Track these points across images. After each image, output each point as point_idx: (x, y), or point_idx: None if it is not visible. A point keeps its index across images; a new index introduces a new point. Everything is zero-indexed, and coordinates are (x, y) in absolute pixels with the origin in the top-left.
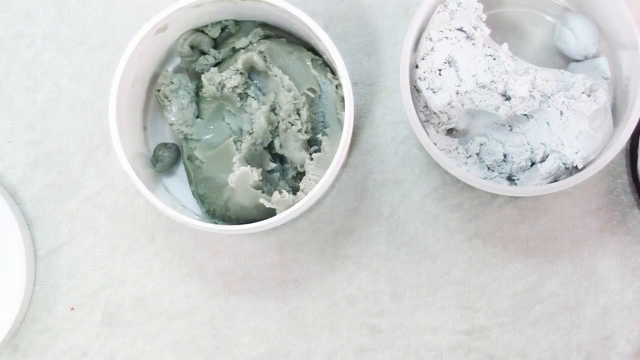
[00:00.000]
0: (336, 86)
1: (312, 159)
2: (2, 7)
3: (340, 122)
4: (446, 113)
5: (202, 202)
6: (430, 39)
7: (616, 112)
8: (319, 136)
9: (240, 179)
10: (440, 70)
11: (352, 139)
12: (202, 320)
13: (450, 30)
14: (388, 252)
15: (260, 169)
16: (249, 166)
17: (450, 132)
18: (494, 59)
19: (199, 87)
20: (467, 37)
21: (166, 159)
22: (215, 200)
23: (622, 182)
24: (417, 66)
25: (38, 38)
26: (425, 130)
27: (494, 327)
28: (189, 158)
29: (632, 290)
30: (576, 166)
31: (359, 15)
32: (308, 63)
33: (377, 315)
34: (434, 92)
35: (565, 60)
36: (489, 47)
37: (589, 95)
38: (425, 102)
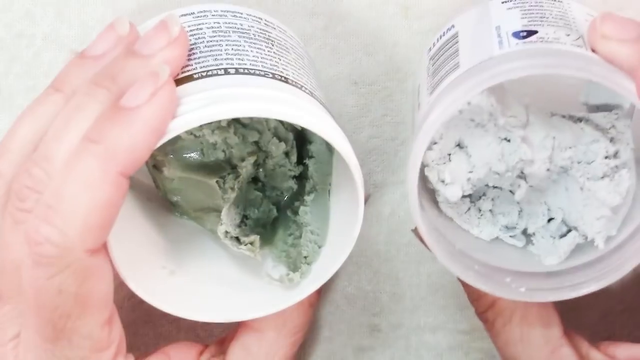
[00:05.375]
0: None
1: (306, 204)
2: (2, 7)
3: (327, 145)
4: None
5: (174, 206)
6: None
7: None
8: (306, 161)
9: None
10: (450, 154)
11: (351, 139)
12: None
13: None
14: (388, 252)
15: (243, 212)
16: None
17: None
18: (509, 142)
19: None
20: (478, 125)
21: None
22: (193, 214)
23: None
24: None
25: (38, 38)
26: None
27: None
28: (155, 167)
29: (632, 291)
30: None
31: (359, 15)
32: None
33: (377, 315)
34: (445, 184)
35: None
36: (502, 128)
37: (611, 180)
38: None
